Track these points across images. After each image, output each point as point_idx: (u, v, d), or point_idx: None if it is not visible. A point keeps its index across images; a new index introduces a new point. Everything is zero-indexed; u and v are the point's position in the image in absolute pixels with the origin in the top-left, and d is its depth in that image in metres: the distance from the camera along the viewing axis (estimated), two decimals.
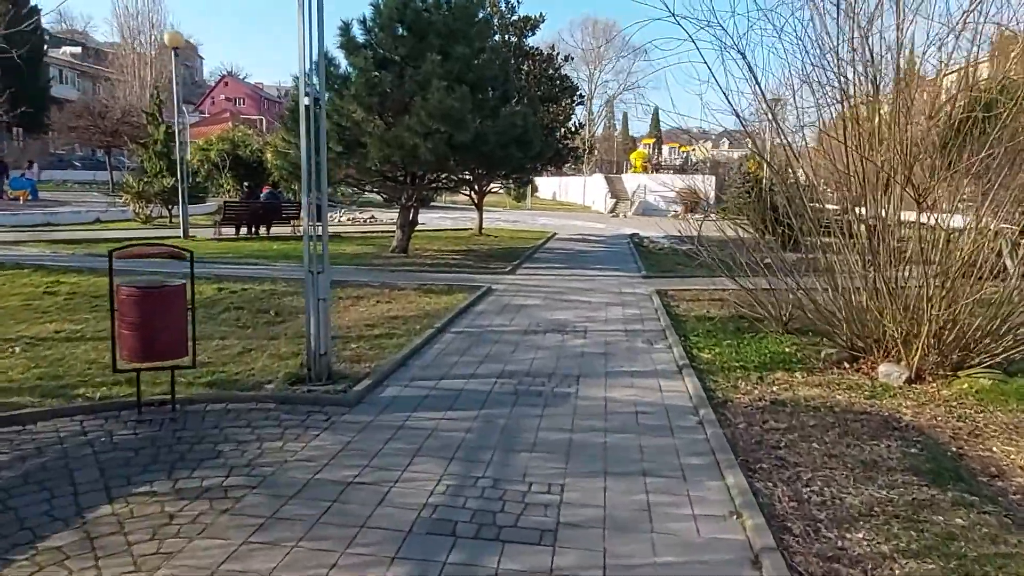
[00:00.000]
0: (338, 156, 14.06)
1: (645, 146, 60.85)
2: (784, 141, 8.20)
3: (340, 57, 14.26)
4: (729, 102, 7.53)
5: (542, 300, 10.61)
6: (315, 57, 5.75)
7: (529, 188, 49.60)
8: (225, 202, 19.67)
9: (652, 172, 49.41)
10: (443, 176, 15.98)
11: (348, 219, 28.57)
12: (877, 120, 6.92)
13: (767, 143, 9.95)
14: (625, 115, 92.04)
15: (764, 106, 7.73)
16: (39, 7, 53.27)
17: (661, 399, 5.82)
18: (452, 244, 19.25)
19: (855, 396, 5.99)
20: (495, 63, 14.73)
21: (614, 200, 44.88)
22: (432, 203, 43.60)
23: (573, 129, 21.46)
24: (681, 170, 50.61)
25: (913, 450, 4.80)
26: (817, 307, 7.34)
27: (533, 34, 20.98)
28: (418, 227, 25.80)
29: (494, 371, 6.49)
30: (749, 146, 9.77)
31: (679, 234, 24.61)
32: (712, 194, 43.85)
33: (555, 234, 24.68)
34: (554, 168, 27.95)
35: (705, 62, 7.97)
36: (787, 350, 7.66)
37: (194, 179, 42.27)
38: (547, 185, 62.82)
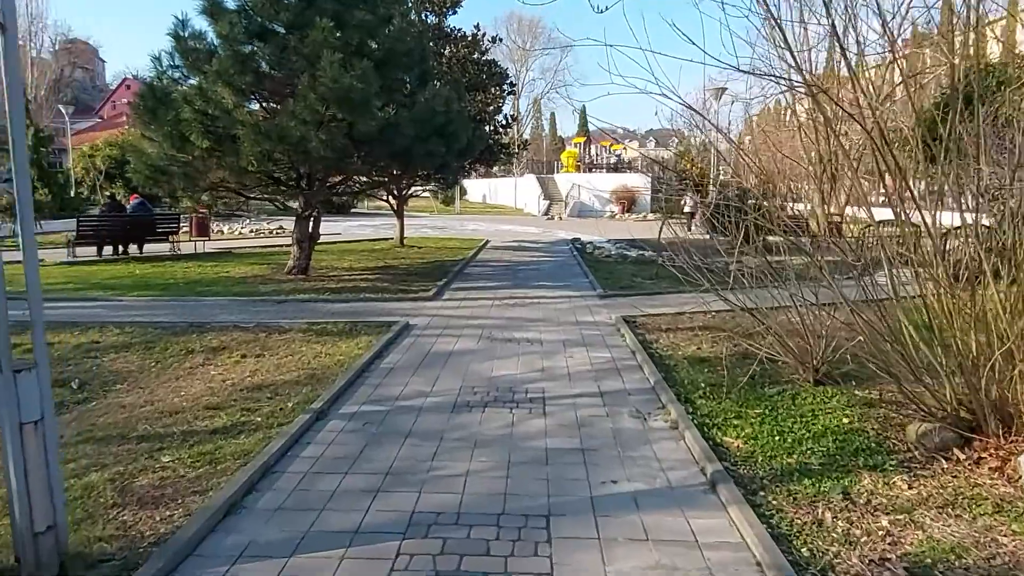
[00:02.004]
0: (206, 154, 10.87)
1: (576, 145, 59.03)
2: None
3: (207, 28, 11.07)
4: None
5: (477, 342, 7.81)
6: None
7: (458, 191, 46.74)
8: (79, 217, 15.98)
9: (585, 171, 47.46)
10: (349, 178, 12.90)
11: (251, 231, 24.99)
12: None
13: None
14: (553, 115, 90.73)
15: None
16: None
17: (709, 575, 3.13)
18: (367, 259, 16.21)
19: None
20: (407, 38, 11.85)
21: (548, 202, 42.61)
22: (352, 209, 40.29)
23: (505, 123, 18.80)
24: (615, 169, 48.89)
25: None
26: (905, 351, 4.80)
27: (454, 13, 18.17)
28: (333, 238, 22.31)
29: (398, 513, 3.65)
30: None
31: (625, 237, 22.36)
32: (649, 193, 42.46)
33: (488, 242, 21.95)
34: (484, 168, 25.26)
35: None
36: (846, 420, 5.15)
37: (77, 189, 37.56)
38: (477, 188, 60.13)
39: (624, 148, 68.82)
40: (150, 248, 16.96)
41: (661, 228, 15.15)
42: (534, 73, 74.95)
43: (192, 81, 11.59)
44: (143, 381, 6.27)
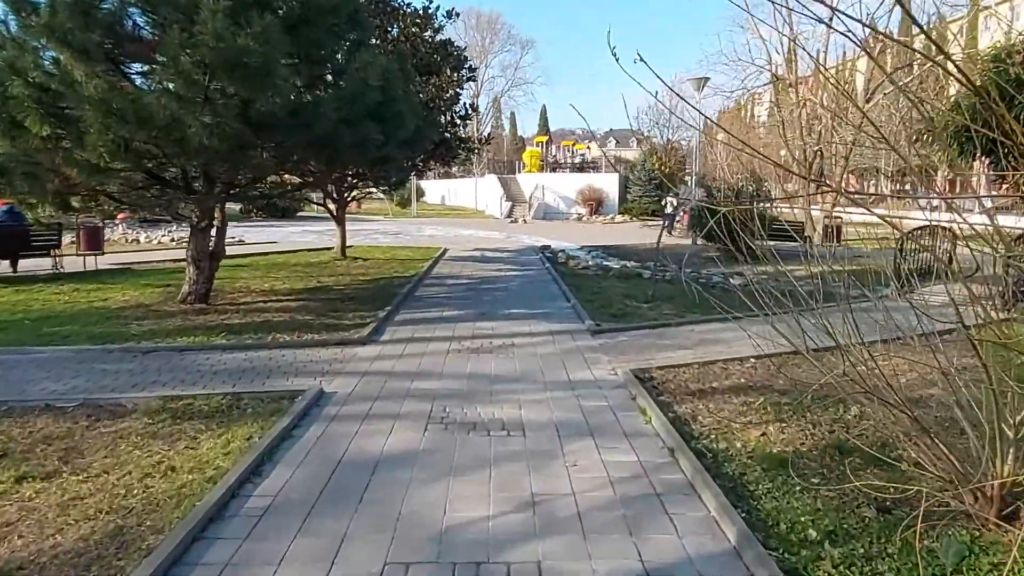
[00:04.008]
0: (51, 145, 7.83)
1: (538, 144, 56.58)
2: None
3: None
4: None
5: (423, 432, 5.00)
6: None
7: (414, 192, 43.74)
8: None
9: (550, 171, 44.93)
10: (263, 177, 9.82)
11: (172, 240, 21.52)
12: None
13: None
14: (513, 114, 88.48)
15: None
16: None
17: None
18: (296, 277, 13.23)
19: None
20: None
21: (510, 203, 39.95)
22: (298, 213, 36.74)
23: (464, 113, 15.96)
24: (580, 168, 46.53)
25: None
26: None
27: None
28: (267, 248, 18.68)
29: None
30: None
31: (599, 244, 19.75)
32: (616, 194, 40.15)
33: (446, 251, 19.14)
34: (442, 167, 22.48)
35: None
36: None
37: None
38: (435, 188, 57.21)
39: (587, 147, 66.81)
40: (29, 265, 13.70)
41: (660, 235, 12.56)
42: (494, 70, 72.28)
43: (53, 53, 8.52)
44: None
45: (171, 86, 6.96)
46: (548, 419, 5.23)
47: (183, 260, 15.76)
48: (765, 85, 27.65)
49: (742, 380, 6.39)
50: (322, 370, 6.61)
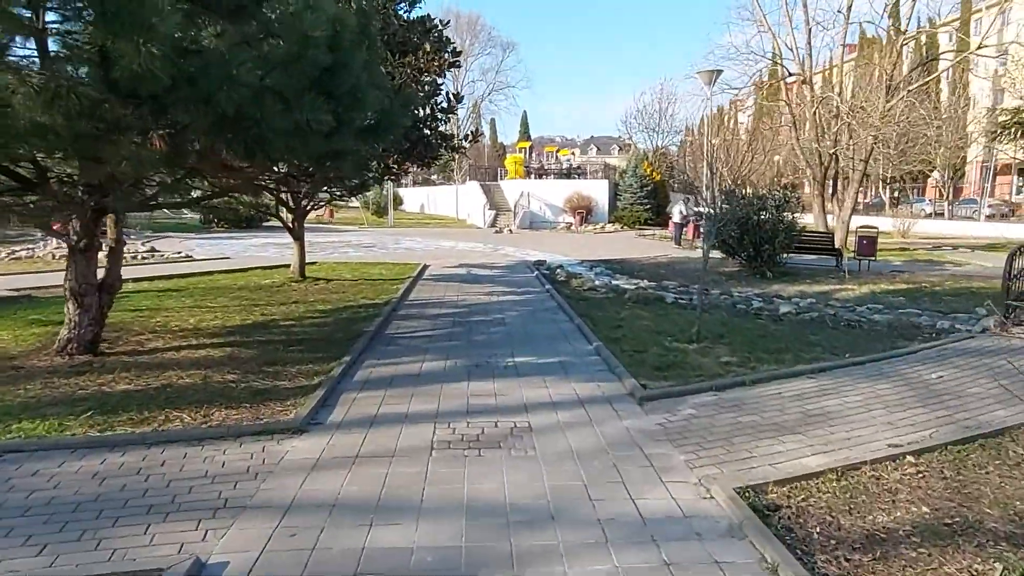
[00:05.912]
0: None
1: (520, 150, 54.18)
2: None
3: None
4: None
5: None
6: None
7: (391, 200, 40.94)
8: None
9: (535, 178, 42.48)
10: (144, 175, 6.95)
11: (147, 252, 18.24)
12: None
13: None
14: (493, 120, 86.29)
15: None
16: None
17: None
18: (236, 309, 10.42)
19: None
20: None
21: (494, 212, 37.38)
22: (264, 222, 33.50)
23: (447, 105, 13.33)
24: (567, 175, 44.11)
25: None
26: None
27: None
28: (217, 265, 15.23)
29: None
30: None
31: (599, 258, 17.10)
32: (606, 201, 37.75)
33: (426, 267, 16.47)
34: (418, 168, 19.84)
35: None
36: None
37: None
38: (413, 197, 54.42)
39: (572, 153, 64.56)
40: None
41: (706, 256, 9.94)
42: (474, 74, 69.70)
43: None
44: None
45: None
46: None
47: (169, 277, 12.87)
48: (778, 79, 25.47)
49: (922, 507, 3.81)
50: (218, 497, 3.91)
